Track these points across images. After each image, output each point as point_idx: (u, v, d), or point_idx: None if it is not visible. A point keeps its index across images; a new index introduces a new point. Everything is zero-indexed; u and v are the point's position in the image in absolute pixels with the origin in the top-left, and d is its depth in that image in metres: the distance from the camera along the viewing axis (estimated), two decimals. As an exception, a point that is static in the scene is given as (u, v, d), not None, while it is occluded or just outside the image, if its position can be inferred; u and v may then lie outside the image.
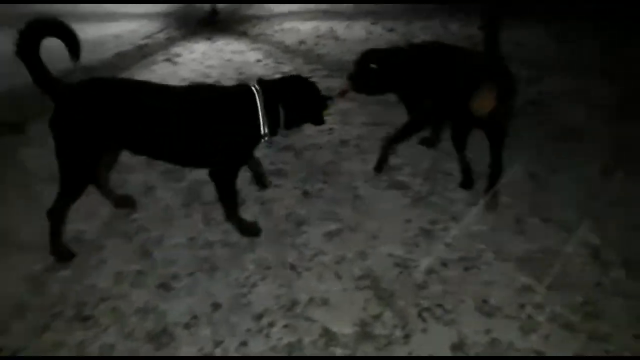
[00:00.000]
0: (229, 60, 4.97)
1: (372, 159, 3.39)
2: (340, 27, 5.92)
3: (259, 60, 4.94)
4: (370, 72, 3.05)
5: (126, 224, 2.81)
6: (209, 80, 4.47)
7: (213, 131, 2.35)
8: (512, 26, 5.72)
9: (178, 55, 5.02)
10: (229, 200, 2.62)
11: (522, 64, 4.96)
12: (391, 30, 5.89)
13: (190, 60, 4.91)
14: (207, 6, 5.99)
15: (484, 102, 2.56)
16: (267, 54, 5.14)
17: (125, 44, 5.07)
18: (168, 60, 4.91)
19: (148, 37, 5.40)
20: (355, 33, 5.78)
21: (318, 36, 5.66)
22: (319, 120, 2.71)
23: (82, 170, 2.39)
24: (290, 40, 5.52)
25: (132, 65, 4.72)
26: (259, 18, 6.13)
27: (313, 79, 2.73)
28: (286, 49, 5.30)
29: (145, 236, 2.73)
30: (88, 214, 2.87)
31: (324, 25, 5.94)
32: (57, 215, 2.47)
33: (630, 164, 3.41)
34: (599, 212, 2.98)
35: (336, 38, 5.61)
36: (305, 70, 4.75)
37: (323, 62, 4.99)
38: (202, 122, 2.33)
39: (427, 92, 2.95)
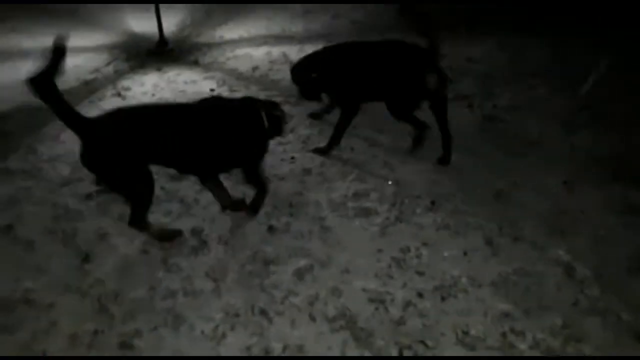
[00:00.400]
0: (182, 91, 4.78)
1: (338, 187, 3.29)
2: (292, 51, 5.82)
3: (212, 89, 4.77)
4: (312, 81, 3.48)
5: (79, 277, 2.59)
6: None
7: (230, 138, 2.62)
8: (463, 41, 5.85)
9: (127, 89, 4.80)
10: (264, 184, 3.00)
11: (475, 79, 5.05)
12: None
13: (140, 94, 4.70)
14: (155, 36, 5.79)
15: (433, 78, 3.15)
16: (221, 82, 4.98)
17: (71, 80, 4.80)
18: (117, 94, 4.68)
19: (95, 71, 5.15)
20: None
21: (271, 61, 5.56)
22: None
23: (138, 186, 2.55)
24: (243, 66, 5.39)
25: (79, 103, 4.47)
26: (210, 46, 5.96)
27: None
28: (240, 76, 5.16)
29: (101, 290, 2.51)
30: (37, 269, 2.63)
31: (276, 51, 5.84)
32: (140, 222, 2.66)
33: (590, 174, 3.44)
34: (566, 226, 2.96)
35: (290, 62, 5.51)
36: (261, 97, 4.62)
37: (278, 87, 4.88)
38: (221, 131, 2.60)
39: (369, 83, 3.33)
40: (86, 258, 2.69)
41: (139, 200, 2.58)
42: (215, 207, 3.10)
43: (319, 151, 3.72)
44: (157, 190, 2.91)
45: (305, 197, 3.22)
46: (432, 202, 3.16)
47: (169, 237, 2.79)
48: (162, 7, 6.16)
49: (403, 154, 3.71)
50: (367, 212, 3.06)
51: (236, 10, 7.24)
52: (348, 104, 3.56)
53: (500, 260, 2.69)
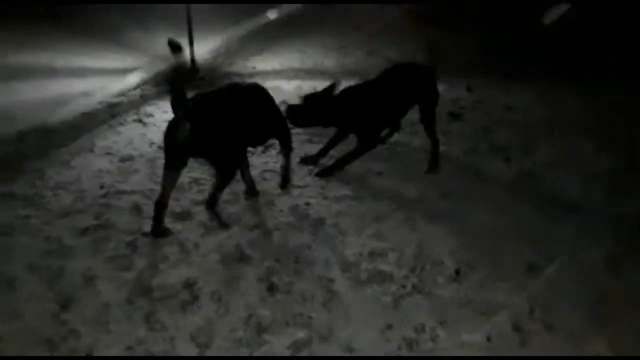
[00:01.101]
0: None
1: (352, 243, 2.96)
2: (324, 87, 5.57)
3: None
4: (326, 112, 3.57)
5: (54, 327, 2.31)
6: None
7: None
8: (501, 88, 5.49)
9: (150, 115, 4.62)
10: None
11: (513, 129, 4.65)
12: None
13: (162, 121, 4.49)
14: (188, 63, 5.65)
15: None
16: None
17: (94, 103, 4.67)
18: (139, 120, 4.50)
19: (121, 94, 5.01)
20: (339, 93, 5.44)
21: (300, 96, 5.30)
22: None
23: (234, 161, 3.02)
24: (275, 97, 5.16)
25: (98, 126, 4.30)
26: (241, 76, 5.78)
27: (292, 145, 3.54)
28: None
29: (73, 345, 2.22)
30: (12, 313, 2.37)
31: (307, 85, 5.60)
32: (215, 204, 2.97)
33: (638, 250, 2.99)
34: (609, 315, 2.53)
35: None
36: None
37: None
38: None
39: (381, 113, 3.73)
40: (66, 305, 2.41)
41: (230, 177, 2.96)
42: (215, 256, 2.80)
43: (311, 163, 3.86)
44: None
45: (315, 251, 2.88)
46: (457, 271, 2.77)
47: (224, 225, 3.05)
48: (197, 35, 6.07)
49: (429, 208, 3.36)
50: (381, 277, 2.70)
51: (271, 42, 7.10)
52: (372, 134, 3.79)
53: (529, 351, 2.28)
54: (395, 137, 4.40)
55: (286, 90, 5.48)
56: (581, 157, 4.15)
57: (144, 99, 4.99)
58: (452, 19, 7.72)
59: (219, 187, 2.93)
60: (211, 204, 2.95)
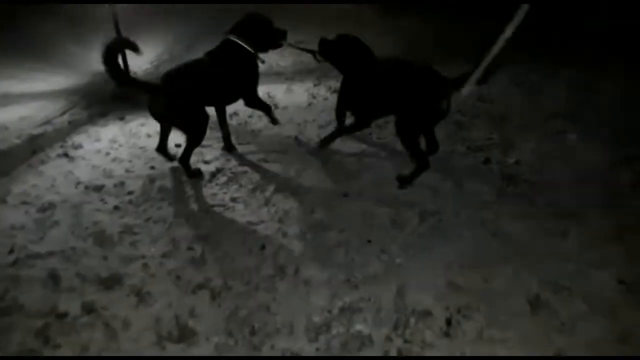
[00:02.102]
0: (142, 148, 3.90)
1: (321, 295, 2.40)
2: (279, 91, 4.96)
3: (178, 145, 3.89)
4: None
5: None
6: (109, 183, 3.40)
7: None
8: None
9: (78, 146, 3.93)
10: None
11: (490, 123, 4.14)
12: (335, 91, 4.97)
13: (93, 153, 3.83)
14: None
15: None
16: (190, 134, 4.11)
17: (11, 138, 3.94)
18: (64, 155, 3.80)
19: (46, 122, 4.28)
20: (296, 98, 4.83)
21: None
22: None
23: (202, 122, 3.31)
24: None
25: (14, 169, 3.60)
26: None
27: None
28: (214, 125, 4.28)
29: None
30: None
31: (260, 90, 4.97)
32: (186, 159, 3.38)
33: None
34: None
35: (275, 105, 4.65)
36: (234, 154, 3.75)
37: (258, 141, 3.99)
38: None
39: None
40: None
41: (197, 138, 3.34)
42: (150, 336, 2.20)
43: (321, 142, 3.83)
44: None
45: (275, 315, 2.31)
46: (448, 322, 2.24)
47: (195, 174, 3.45)
48: (142, 38, 5.32)
49: (407, 235, 2.81)
50: (358, 343, 2.14)
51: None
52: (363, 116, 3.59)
53: None
54: (363, 147, 3.84)
55: (237, 100, 4.84)
56: (570, 151, 3.67)
57: (73, 126, 4.28)
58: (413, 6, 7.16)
59: (189, 147, 3.37)
60: (184, 159, 3.39)
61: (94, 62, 5.47)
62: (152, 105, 3.24)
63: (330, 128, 4.14)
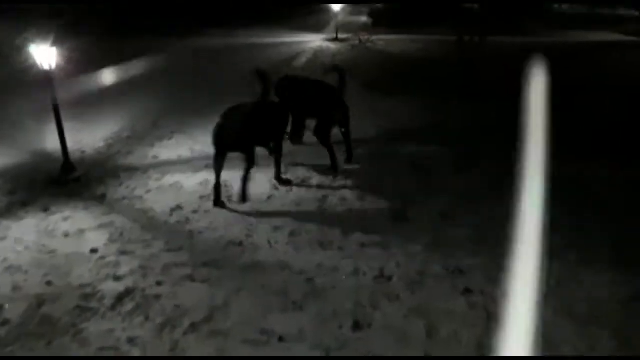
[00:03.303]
0: (50, 253, 3.14)
1: None
2: (237, 181, 4.23)
3: (94, 251, 3.14)
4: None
5: None
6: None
7: None
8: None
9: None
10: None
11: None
12: (302, 181, 4.28)
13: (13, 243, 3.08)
14: (57, 162, 4.24)
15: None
16: (115, 235, 3.36)
17: None
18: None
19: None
20: (257, 189, 4.12)
21: (202, 196, 3.97)
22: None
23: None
24: (161, 206, 3.80)
25: None
26: (134, 171, 4.43)
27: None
28: (148, 224, 3.55)
29: None
30: None
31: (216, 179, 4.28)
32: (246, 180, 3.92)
33: None
34: None
35: (229, 199, 3.94)
36: (157, 267, 2.98)
37: (193, 248, 3.24)
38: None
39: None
40: None
41: (252, 164, 3.89)
42: None
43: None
44: None
45: None
46: None
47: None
48: (105, 112, 4.80)
49: None
50: None
51: (194, 119, 5.82)
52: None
53: None
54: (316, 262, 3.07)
55: (186, 188, 4.13)
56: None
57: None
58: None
59: (247, 170, 3.85)
60: (244, 179, 3.84)
61: (39, 138, 4.88)
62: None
63: (287, 229, 3.42)
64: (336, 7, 13.97)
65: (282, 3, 18.32)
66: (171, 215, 3.69)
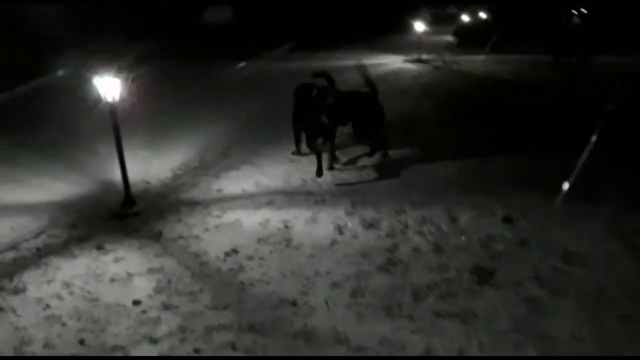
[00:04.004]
0: (93, 301, 2.91)
1: None
2: (299, 221, 3.86)
3: (136, 302, 2.86)
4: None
5: None
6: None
7: None
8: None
9: (20, 290, 3.02)
10: None
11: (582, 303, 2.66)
12: (370, 225, 3.78)
13: (30, 304, 2.89)
14: (121, 194, 4.09)
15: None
16: (163, 283, 3.07)
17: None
18: (-4, 304, 2.89)
19: (11, 248, 3.49)
20: (319, 231, 3.70)
21: (260, 239, 3.60)
22: None
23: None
24: (216, 248, 3.48)
25: None
26: (194, 206, 4.17)
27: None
28: (199, 271, 3.23)
29: None
30: None
31: (277, 217, 3.91)
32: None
33: None
34: None
35: (287, 242, 3.54)
36: (198, 329, 2.62)
37: (241, 306, 2.85)
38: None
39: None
40: None
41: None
42: None
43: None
44: None
45: None
46: None
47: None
48: (178, 139, 4.68)
49: None
50: None
51: (265, 147, 5.57)
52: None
53: None
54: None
55: (245, 227, 3.79)
56: None
57: (40, 254, 3.43)
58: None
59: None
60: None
61: (104, 170, 4.80)
62: None
63: (348, 288, 2.95)
64: (419, 26, 13.37)
65: (368, 23, 18.09)
66: (225, 260, 3.34)
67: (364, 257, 3.36)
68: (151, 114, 6.66)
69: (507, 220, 3.80)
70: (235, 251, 3.45)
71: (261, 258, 3.36)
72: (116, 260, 3.36)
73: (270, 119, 6.56)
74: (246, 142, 5.91)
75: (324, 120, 4.61)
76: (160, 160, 5.30)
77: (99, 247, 3.53)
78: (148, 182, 4.72)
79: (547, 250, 3.32)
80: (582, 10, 11.79)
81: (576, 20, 11.94)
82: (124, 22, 12.69)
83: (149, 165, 5.13)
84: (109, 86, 3.75)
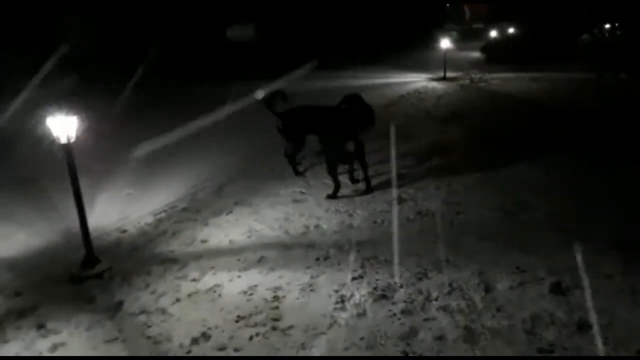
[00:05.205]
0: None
1: None
2: (293, 289, 3.05)
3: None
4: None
5: None
6: None
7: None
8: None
9: None
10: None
11: None
12: (383, 296, 2.93)
13: None
14: (80, 251, 3.34)
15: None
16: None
17: None
18: None
19: None
20: (317, 306, 2.87)
21: (241, 317, 2.79)
22: None
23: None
24: (184, 329, 2.69)
25: None
26: (170, 263, 3.40)
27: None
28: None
29: None
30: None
31: (267, 283, 3.11)
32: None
33: None
34: None
35: (274, 324, 2.72)
36: None
37: None
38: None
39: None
40: None
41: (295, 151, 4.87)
42: None
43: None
44: None
45: None
46: None
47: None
48: (170, 175, 3.96)
49: None
50: None
51: (264, 184, 4.80)
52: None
53: None
54: None
55: (225, 297, 3.00)
56: None
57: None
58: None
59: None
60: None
61: (68, 218, 3.98)
62: None
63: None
64: (445, 43, 12.53)
65: (394, 39, 17.38)
66: (189, 351, 2.54)
67: (370, 349, 2.50)
68: (139, 148, 5.95)
69: (557, 289, 2.91)
70: (205, 337, 2.65)
71: (236, 349, 2.55)
72: (54, 348, 2.60)
73: (278, 149, 5.80)
74: (247, 177, 5.16)
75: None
76: (145, 201, 4.59)
77: (40, 326, 2.79)
78: (123, 231, 3.98)
79: (616, 340, 2.40)
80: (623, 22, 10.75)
81: (618, 33, 10.87)
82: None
83: (131, 207, 4.43)
84: (62, 125, 3.05)
